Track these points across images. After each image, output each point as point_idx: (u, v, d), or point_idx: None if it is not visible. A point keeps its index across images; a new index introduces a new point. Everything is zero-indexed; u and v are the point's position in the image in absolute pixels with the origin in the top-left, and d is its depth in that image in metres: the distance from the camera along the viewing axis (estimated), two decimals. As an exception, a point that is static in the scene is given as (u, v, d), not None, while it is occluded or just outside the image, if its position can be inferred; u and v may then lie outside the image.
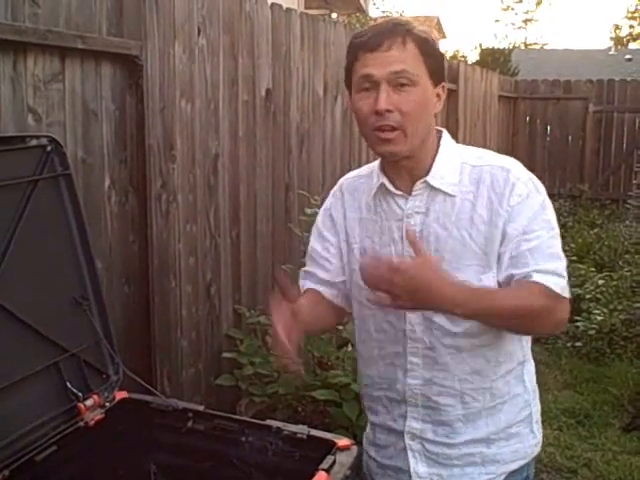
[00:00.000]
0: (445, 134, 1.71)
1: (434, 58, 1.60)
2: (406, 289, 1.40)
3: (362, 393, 1.94)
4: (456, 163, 1.66)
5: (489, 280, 1.60)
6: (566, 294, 1.59)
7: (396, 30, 1.55)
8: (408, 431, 1.75)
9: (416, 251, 1.45)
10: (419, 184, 1.65)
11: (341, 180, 1.87)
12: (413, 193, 1.66)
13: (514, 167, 1.64)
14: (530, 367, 1.80)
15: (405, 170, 1.66)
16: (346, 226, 1.79)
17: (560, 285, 1.57)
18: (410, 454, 1.76)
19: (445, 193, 1.63)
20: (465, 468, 1.73)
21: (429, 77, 1.59)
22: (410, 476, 1.76)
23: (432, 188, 1.64)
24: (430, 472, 1.75)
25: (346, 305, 1.86)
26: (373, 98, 1.55)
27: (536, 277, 1.55)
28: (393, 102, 1.54)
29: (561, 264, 1.60)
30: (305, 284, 1.86)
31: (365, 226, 1.75)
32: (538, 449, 1.80)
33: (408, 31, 1.56)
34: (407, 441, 1.76)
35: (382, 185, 1.70)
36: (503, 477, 1.74)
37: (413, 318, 1.68)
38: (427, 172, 1.65)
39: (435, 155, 1.66)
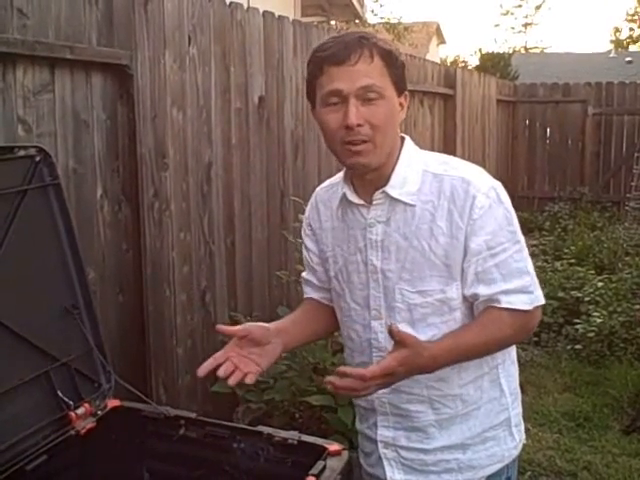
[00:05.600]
0: (408, 141, 1.70)
1: (397, 69, 1.60)
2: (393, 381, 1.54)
3: None
4: (417, 171, 1.64)
5: (452, 292, 1.62)
6: (537, 302, 1.62)
7: (363, 44, 1.55)
8: (381, 440, 1.77)
9: (401, 342, 1.50)
10: (378, 194, 1.65)
11: (316, 189, 1.89)
12: (374, 203, 1.66)
13: (475, 178, 1.61)
14: (510, 370, 1.78)
15: (370, 181, 1.66)
16: (322, 235, 1.82)
17: (528, 302, 1.59)
18: (385, 462, 1.77)
19: (405, 203, 1.63)
20: (442, 475, 1.72)
21: (394, 88, 1.59)
22: None
23: (392, 198, 1.64)
24: (407, 479, 1.75)
25: None
26: (342, 112, 1.55)
27: (504, 302, 1.58)
28: (362, 116, 1.54)
29: (527, 279, 1.61)
30: (305, 291, 1.94)
31: (336, 234, 1.77)
32: (517, 451, 1.79)
33: (374, 44, 1.56)
34: (381, 449, 1.77)
35: (344, 195, 1.72)
36: None
37: (376, 327, 1.70)
38: (387, 181, 1.64)
39: (395, 164, 1.65)
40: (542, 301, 1.63)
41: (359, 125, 1.54)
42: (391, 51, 1.59)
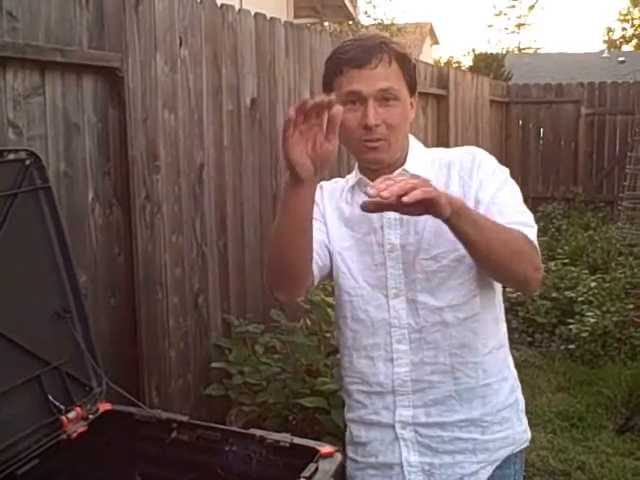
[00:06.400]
0: (412, 138, 1.80)
1: (410, 72, 1.70)
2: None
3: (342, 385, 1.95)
4: (426, 158, 1.78)
5: None
6: (536, 244, 1.66)
7: (382, 49, 1.64)
8: (399, 420, 1.77)
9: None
10: (396, 173, 1.71)
11: (320, 183, 1.87)
12: None
13: (479, 152, 1.76)
14: (509, 357, 1.86)
15: (384, 170, 1.71)
16: (326, 220, 1.83)
17: (531, 233, 1.64)
18: (402, 443, 1.77)
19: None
20: (456, 456, 1.75)
21: (407, 89, 1.69)
22: (402, 468, 1.77)
23: (410, 174, 1.70)
24: (421, 461, 1.76)
25: (315, 272, 1.75)
26: (360, 112, 1.64)
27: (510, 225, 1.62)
28: (380, 117, 1.63)
29: (529, 216, 1.67)
30: None
31: (343, 218, 1.80)
32: (527, 436, 1.86)
33: (392, 49, 1.65)
34: (398, 431, 1.77)
35: (360, 179, 1.78)
36: (495, 465, 1.77)
37: (396, 305, 1.72)
38: (402, 164, 1.74)
39: (406, 153, 1.75)
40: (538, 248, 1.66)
41: (377, 125, 1.63)
42: (406, 55, 1.69)
